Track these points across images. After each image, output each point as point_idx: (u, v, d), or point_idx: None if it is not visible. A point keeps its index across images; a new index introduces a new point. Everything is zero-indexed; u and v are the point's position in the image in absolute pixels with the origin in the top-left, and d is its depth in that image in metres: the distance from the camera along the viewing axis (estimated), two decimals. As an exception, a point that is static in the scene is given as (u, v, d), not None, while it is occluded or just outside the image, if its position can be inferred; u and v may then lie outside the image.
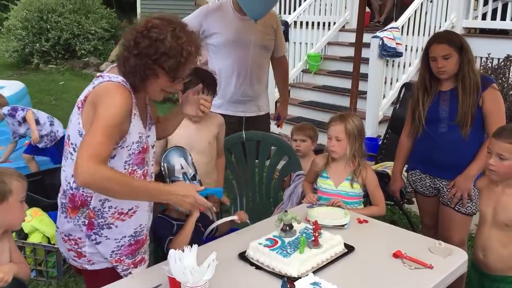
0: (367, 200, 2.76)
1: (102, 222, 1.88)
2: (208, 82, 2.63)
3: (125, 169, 1.87)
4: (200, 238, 2.29)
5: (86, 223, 1.87)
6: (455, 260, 2.04)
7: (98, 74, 1.93)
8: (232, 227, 2.49)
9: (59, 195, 1.95)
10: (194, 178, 2.31)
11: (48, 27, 11.66)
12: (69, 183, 1.87)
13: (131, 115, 1.84)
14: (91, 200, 1.85)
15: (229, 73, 3.35)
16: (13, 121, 4.76)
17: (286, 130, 5.07)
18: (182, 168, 2.29)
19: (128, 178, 1.84)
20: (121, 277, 1.92)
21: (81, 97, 1.83)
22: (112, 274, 1.91)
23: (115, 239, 1.91)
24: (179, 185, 2.03)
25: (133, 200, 1.90)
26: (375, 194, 2.67)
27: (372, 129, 5.85)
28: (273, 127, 3.88)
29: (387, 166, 3.67)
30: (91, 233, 1.88)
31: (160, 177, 2.28)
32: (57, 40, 11.71)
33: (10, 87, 6.51)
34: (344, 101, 6.38)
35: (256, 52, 3.36)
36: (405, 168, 3.02)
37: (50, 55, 11.84)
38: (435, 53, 2.61)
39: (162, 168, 2.24)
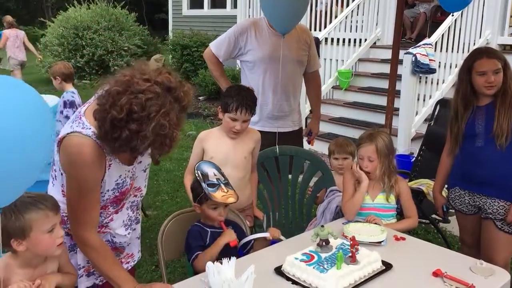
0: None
1: None
2: (251, 102, 2.67)
3: None
4: (234, 251, 2.27)
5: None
6: (497, 281, 1.98)
7: (80, 108, 1.85)
8: (272, 240, 2.47)
9: None
10: (227, 184, 2.33)
11: (83, 43, 12.04)
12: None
13: (106, 167, 1.78)
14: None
15: (266, 89, 3.37)
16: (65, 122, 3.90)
17: (316, 146, 5.05)
18: (215, 175, 2.32)
19: (103, 260, 1.84)
20: None
21: (60, 134, 1.78)
22: None
23: None
24: None
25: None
26: (409, 205, 2.65)
27: (404, 146, 5.77)
28: (304, 144, 3.86)
29: (422, 184, 3.61)
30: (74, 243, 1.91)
31: (195, 182, 2.32)
32: (92, 56, 12.06)
33: (46, 101, 6.72)
34: (376, 118, 6.34)
35: (291, 67, 3.38)
36: (445, 187, 2.97)
37: (84, 71, 12.17)
38: (487, 67, 2.57)
39: (197, 175, 2.28)
